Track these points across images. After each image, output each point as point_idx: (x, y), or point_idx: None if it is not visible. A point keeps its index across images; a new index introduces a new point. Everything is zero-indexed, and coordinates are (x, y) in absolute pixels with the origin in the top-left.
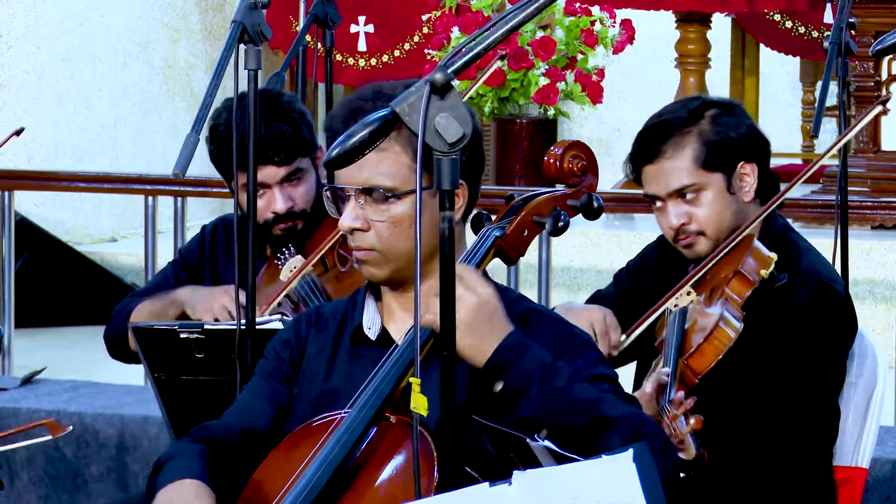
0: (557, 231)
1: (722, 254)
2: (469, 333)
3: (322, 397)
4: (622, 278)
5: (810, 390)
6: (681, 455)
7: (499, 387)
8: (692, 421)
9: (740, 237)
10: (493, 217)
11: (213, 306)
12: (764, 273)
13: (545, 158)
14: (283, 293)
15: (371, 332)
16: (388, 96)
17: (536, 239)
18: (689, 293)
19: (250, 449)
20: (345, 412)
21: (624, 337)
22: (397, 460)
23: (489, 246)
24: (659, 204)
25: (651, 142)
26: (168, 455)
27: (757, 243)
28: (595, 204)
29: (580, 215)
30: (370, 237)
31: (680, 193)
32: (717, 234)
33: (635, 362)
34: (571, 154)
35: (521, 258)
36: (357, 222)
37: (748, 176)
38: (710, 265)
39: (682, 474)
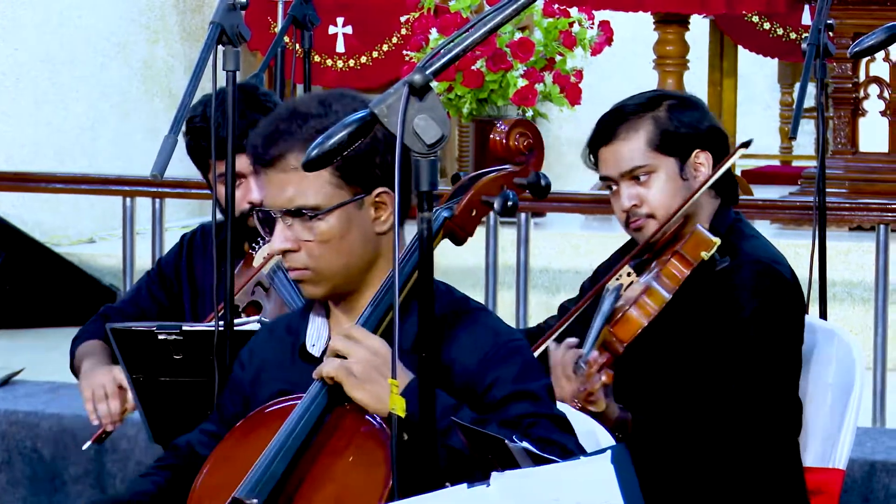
0: (507, 211)
1: (666, 237)
2: (368, 385)
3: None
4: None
5: (755, 368)
6: (591, 408)
7: (405, 437)
8: (603, 377)
9: (681, 214)
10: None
11: (93, 383)
12: (704, 255)
13: (491, 136)
14: (254, 279)
15: (315, 349)
16: (304, 115)
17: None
18: (629, 274)
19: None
20: (297, 398)
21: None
22: (354, 447)
23: (438, 227)
24: (614, 188)
25: (607, 125)
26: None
27: (700, 228)
28: (542, 182)
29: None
30: (302, 257)
31: (632, 175)
32: (666, 218)
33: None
34: (517, 132)
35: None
36: (287, 244)
37: (702, 165)
38: (650, 246)
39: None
